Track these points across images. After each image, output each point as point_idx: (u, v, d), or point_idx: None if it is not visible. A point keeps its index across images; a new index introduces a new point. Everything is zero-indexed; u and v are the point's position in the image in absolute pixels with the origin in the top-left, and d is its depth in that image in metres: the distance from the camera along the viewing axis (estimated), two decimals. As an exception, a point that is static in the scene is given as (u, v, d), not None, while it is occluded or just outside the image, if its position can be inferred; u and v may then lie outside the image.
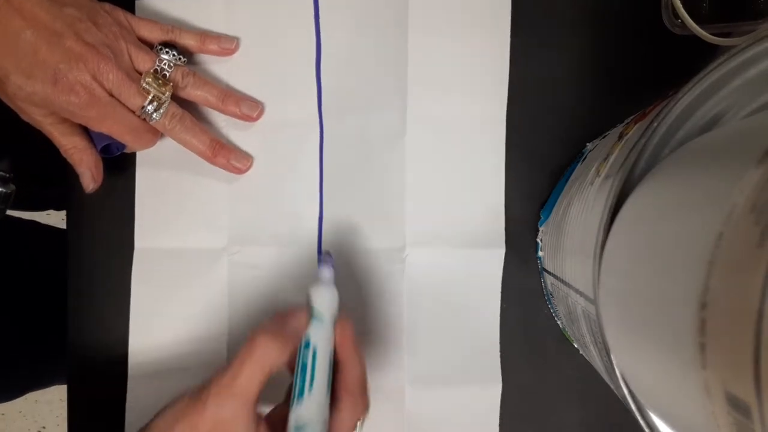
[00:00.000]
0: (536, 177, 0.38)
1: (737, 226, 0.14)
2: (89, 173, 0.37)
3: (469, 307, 0.38)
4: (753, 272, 0.13)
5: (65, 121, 0.35)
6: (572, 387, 0.38)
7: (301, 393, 0.29)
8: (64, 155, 0.37)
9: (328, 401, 0.30)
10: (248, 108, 0.38)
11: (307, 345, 0.30)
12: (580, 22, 0.38)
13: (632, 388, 0.21)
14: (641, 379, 0.20)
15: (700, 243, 0.15)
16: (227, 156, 0.38)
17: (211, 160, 0.38)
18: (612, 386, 0.25)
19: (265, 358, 0.28)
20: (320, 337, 0.31)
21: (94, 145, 0.37)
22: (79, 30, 0.32)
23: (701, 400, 0.15)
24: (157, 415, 0.30)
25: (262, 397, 0.29)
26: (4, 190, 0.38)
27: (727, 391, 0.14)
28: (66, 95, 0.32)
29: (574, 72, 0.38)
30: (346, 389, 0.31)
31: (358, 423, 0.32)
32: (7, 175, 0.39)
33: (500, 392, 0.38)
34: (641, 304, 0.18)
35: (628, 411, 0.22)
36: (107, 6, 0.36)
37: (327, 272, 0.33)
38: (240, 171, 0.39)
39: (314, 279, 0.33)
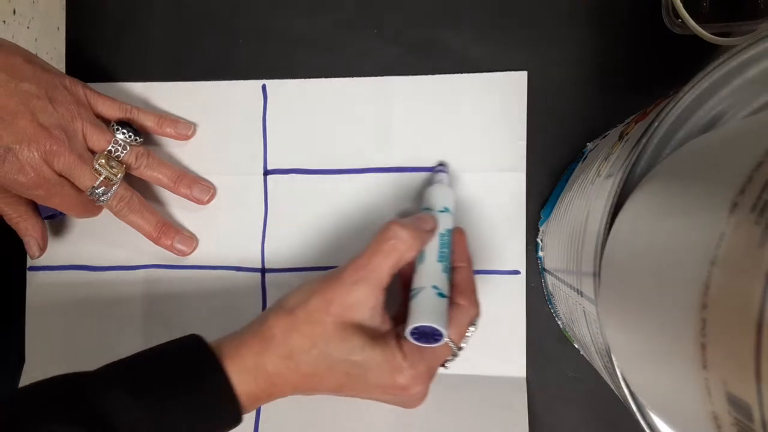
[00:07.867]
0: (537, 176, 0.38)
1: (738, 226, 0.14)
2: (35, 242, 0.37)
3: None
4: (754, 272, 0.13)
5: (11, 193, 0.35)
6: (572, 387, 0.38)
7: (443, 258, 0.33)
8: (9, 223, 0.36)
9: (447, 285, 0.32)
10: (200, 191, 0.39)
11: (442, 233, 0.34)
12: (580, 22, 0.38)
13: (633, 388, 0.21)
14: (642, 379, 0.20)
15: (701, 243, 0.15)
16: (172, 238, 0.38)
17: (156, 241, 0.38)
18: (612, 386, 0.25)
19: (397, 245, 0.30)
20: (450, 225, 0.35)
21: (40, 214, 0.37)
22: (34, 109, 0.32)
23: (702, 400, 0.15)
24: (291, 292, 0.31)
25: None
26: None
27: (727, 391, 0.14)
28: (14, 174, 0.32)
29: (574, 71, 0.38)
30: (459, 290, 0.33)
31: (471, 327, 0.33)
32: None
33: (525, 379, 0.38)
34: (642, 304, 0.18)
35: (629, 411, 0.22)
36: (68, 80, 0.35)
37: (444, 177, 0.37)
38: (184, 253, 0.39)
39: (429, 183, 0.37)
